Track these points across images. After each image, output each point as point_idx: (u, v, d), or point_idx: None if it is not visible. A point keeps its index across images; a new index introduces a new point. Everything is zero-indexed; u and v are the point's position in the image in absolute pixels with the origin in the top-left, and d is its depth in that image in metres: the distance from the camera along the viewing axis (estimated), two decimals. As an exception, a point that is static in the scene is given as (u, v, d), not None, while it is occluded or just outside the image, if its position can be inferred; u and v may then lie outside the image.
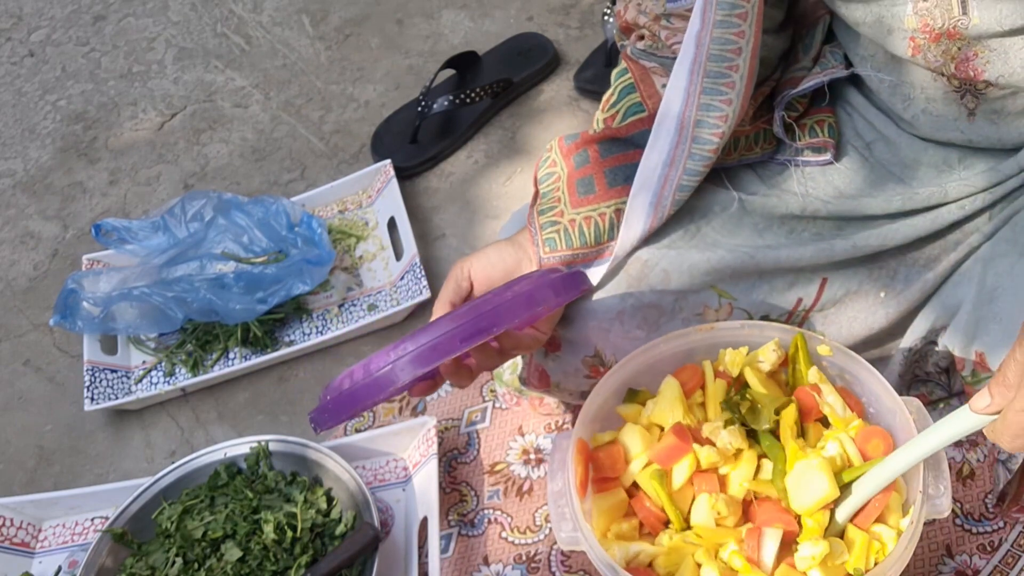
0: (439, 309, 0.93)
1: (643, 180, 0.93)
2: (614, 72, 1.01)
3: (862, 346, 1.00)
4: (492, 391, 1.26)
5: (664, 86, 0.95)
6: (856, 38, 0.97)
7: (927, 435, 0.75)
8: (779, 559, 0.80)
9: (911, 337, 0.99)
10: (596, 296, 0.96)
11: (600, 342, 0.98)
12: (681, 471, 0.85)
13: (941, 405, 1.12)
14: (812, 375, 0.90)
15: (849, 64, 1.00)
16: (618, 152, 0.97)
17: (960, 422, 0.71)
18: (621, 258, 0.95)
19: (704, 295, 0.96)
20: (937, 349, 0.98)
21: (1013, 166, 0.92)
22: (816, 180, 1.01)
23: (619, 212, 0.95)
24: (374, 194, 1.54)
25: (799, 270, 0.96)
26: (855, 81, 1.03)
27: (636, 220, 0.94)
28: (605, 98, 1.01)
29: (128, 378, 1.39)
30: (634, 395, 0.93)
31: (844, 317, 0.98)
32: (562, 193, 0.96)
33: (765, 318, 0.97)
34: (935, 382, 1.06)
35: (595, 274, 0.96)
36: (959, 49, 0.86)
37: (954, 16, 0.84)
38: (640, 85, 0.98)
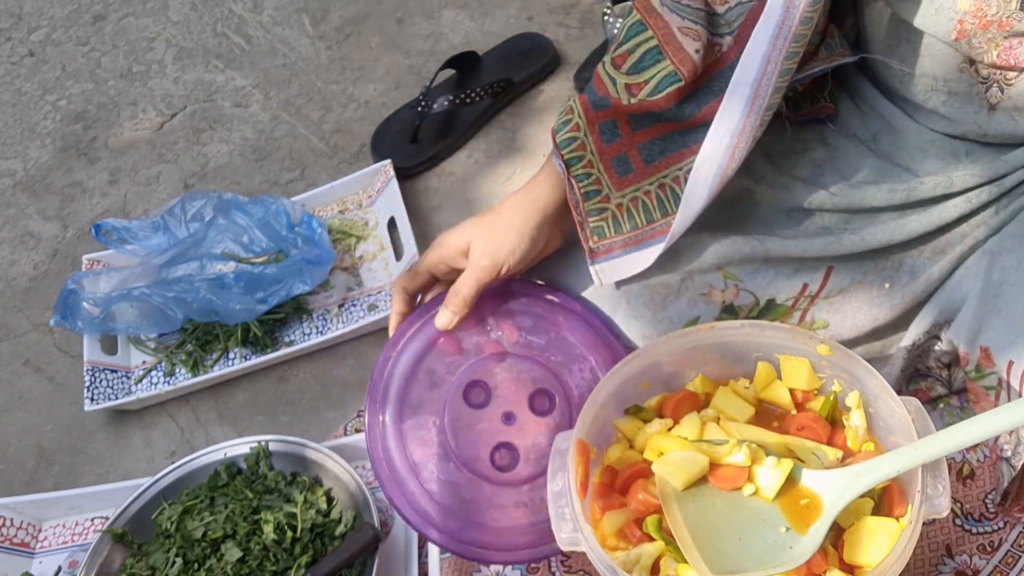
0: (409, 284, 0.97)
1: (710, 153, 0.88)
2: (624, 25, 0.93)
3: (866, 338, 1.00)
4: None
5: (697, 51, 0.89)
6: (881, 25, 0.95)
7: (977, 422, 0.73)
8: None
9: (915, 331, 0.99)
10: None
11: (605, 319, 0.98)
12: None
13: (941, 404, 1.12)
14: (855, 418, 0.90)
15: (855, 49, 0.99)
16: (649, 124, 0.92)
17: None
18: (679, 235, 0.91)
19: (710, 276, 0.96)
20: (940, 344, 0.98)
21: (1021, 157, 0.92)
22: (822, 167, 1.01)
23: (663, 187, 0.92)
24: (374, 194, 1.54)
25: (805, 259, 0.96)
26: (863, 69, 1.02)
27: (699, 194, 0.89)
28: (618, 54, 0.92)
29: (128, 378, 1.39)
30: (638, 411, 0.93)
31: (849, 307, 0.98)
32: (600, 173, 0.93)
33: (771, 301, 0.97)
34: (936, 377, 1.06)
35: (652, 253, 0.93)
36: (1005, 38, 0.85)
37: (1010, 10, 0.83)
38: (667, 48, 0.90)
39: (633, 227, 0.93)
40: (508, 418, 0.97)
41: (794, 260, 0.96)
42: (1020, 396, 0.86)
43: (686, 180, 0.91)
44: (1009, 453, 0.91)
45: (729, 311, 0.97)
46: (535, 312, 1.00)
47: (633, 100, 0.90)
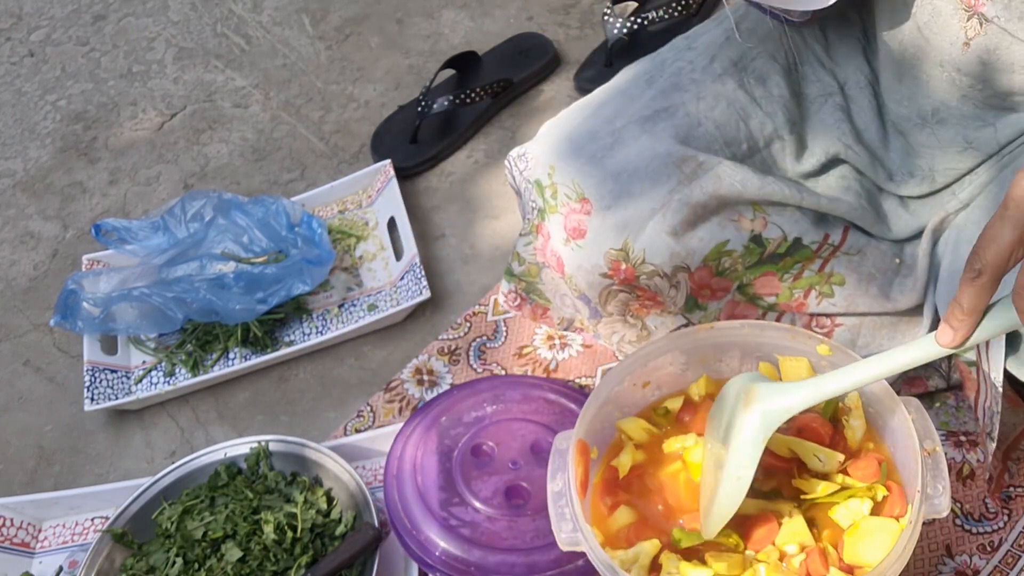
0: None
1: None
2: None
3: (885, 317, 1.02)
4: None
5: None
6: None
7: (889, 355, 0.75)
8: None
9: (928, 313, 1.02)
10: (644, 183, 0.96)
11: (634, 233, 0.96)
12: None
13: (937, 403, 1.13)
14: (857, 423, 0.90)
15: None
16: None
17: (923, 348, 0.73)
18: None
19: (740, 206, 0.98)
20: None
21: (993, 144, 0.94)
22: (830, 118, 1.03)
23: None
24: (374, 194, 1.54)
25: (825, 216, 1.01)
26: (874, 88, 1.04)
27: None
28: None
29: (128, 378, 1.39)
30: (666, 413, 0.93)
31: (864, 268, 1.01)
32: None
33: (798, 240, 1.00)
34: (934, 366, 1.07)
35: None
36: None
37: None
38: None
39: None
40: (515, 464, 1.10)
41: (818, 213, 1.01)
42: (988, 363, 0.87)
43: None
44: (990, 428, 0.92)
45: (757, 241, 0.99)
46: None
47: None
